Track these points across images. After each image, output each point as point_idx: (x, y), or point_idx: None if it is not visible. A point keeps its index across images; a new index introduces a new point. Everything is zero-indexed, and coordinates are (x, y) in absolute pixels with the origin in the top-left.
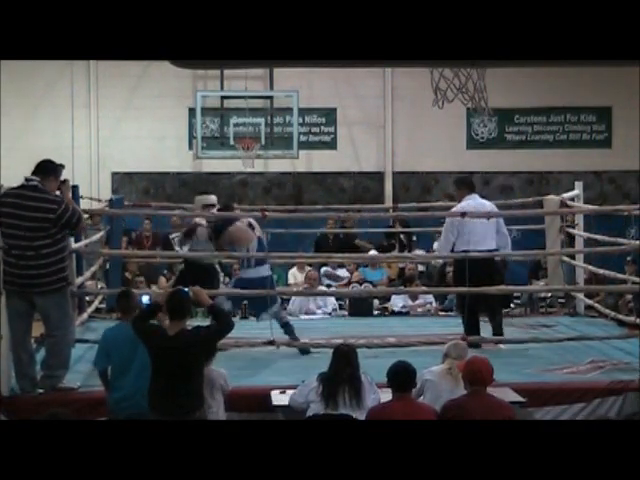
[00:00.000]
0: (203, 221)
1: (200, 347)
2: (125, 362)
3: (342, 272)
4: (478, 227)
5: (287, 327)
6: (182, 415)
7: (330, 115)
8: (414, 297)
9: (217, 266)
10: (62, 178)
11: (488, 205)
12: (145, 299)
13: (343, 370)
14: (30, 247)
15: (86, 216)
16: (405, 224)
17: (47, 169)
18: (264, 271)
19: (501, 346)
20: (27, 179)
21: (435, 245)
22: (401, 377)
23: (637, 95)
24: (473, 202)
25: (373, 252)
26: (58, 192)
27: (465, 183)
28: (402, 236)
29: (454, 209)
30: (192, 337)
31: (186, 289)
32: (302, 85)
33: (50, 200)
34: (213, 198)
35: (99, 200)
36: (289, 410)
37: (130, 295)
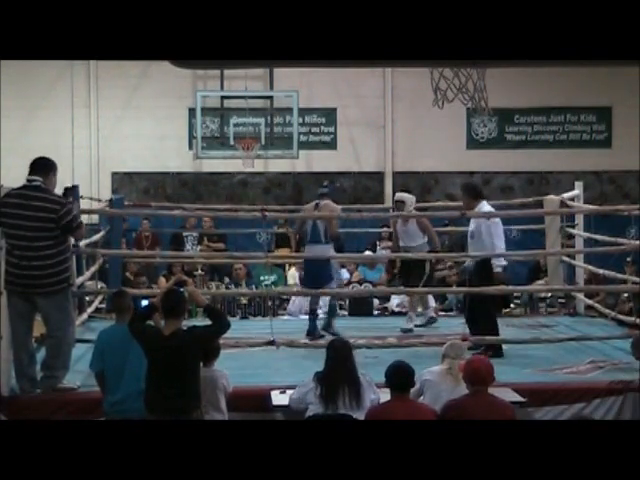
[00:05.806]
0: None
1: (196, 346)
2: (119, 365)
3: (342, 273)
4: None
5: (330, 313)
6: (179, 415)
7: (330, 115)
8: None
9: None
10: (71, 185)
11: None
12: (144, 303)
13: (340, 366)
14: (32, 247)
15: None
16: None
17: (46, 167)
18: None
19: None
20: (29, 179)
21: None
22: (400, 377)
23: (637, 95)
24: None
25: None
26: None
27: (477, 191)
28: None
29: (489, 212)
30: (187, 336)
31: (181, 289)
32: (302, 85)
33: (54, 201)
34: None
35: (99, 200)
36: (289, 410)
37: (124, 295)
